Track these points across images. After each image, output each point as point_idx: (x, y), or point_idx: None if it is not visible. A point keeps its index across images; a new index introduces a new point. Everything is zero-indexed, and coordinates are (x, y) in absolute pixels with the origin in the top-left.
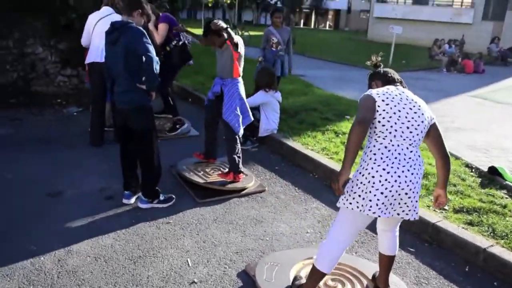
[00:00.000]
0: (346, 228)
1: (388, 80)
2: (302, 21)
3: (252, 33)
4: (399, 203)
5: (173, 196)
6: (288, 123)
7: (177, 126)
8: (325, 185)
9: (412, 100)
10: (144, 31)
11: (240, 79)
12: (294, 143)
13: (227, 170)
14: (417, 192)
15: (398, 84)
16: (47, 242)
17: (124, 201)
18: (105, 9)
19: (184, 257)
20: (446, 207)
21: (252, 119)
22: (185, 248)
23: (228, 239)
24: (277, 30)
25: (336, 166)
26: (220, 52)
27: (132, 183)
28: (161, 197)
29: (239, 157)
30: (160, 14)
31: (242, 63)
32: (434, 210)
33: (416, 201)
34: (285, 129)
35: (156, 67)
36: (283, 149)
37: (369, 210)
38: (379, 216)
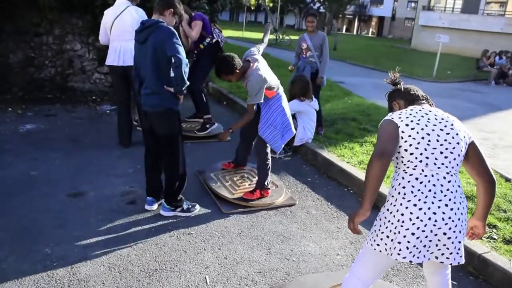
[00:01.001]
0: (369, 268)
1: (411, 98)
2: (344, 27)
3: (293, 37)
4: (437, 245)
5: (197, 206)
6: (324, 132)
7: (207, 126)
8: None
9: (443, 119)
10: (175, 31)
11: (279, 92)
12: (330, 155)
13: (253, 185)
14: (459, 231)
15: (423, 101)
16: (62, 246)
17: (146, 207)
18: (120, 2)
19: (202, 274)
20: (495, 236)
21: (295, 132)
22: (204, 263)
23: (251, 257)
24: (310, 36)
25: None
26: (244, 82)
27: (156, 189)
28: (185, 206)
29: (267, 174)
30: (193, 13)
31: (273, 80)
32: (481, 239)
33: (459, 242)
34: (320, 139)
35: (185, 69)
36: (318, 160)
37: (398, 254)
38: (410, 261)
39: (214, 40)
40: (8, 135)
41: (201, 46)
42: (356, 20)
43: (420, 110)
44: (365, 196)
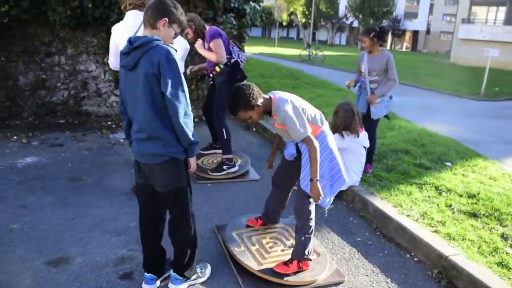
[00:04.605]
0: None
1: None
2: None
3: (326, 53)
4: None
5: (208, 267)
6: (373, 171)
7: (224, 167)
8: (429, 277)
9: None
10: (175, 52)
11: (324, 129)
12: (383, 203)
13: (288, 252)
14: None
15: None
16: None
17: (144, 286)
18: (133, 15)
19: None
20: None
21: (347, 180)
22: None
23: None
24: (370, 57)
25: (445, 247)
26: (274, 120)
27: (157, 263)
28: (198, 270)
29: (309, 239)
30: (207, 27)
31: (312, 111)
32: None
33: None
34: (369, 180)
35: (186, 119)
36: (369, 211)
37: None
38: None
39: (233, 60)
40: (2, 171)
41: (217, 68)
42: (390, 34)
43: None
44: None
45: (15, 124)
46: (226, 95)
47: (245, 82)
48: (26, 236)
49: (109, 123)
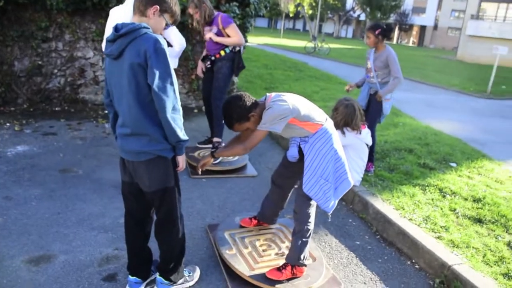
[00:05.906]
0: None
1: None
2: None
3: (332, 45)
4: None
5: (197, 269)
6: (375, 170)
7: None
8: (431, 287)
9: None
10: (165, 41)
11: (327, 126)
12: (384, 206)
13: (283, 255)
14: None
15: None
16: None
17: None
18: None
19: None
20: None
21: (352, 183)
22: None
23: None
24: (376, 54)
25: (448, 255)
26: None
27: (142, 265)
28: (186, 273)
29: (306, 243)
30: (216, 13)
31: (311, 109)
32: None
33: None
34: (371, 179)
35: (175, 115)
36: (369, 213)
37: None
38: None
39: (237, 49)
40: None
41: (222, 52)
42: (397, 28)
43: None
44: None
45: (9, 110)
46: (226, 78)
47: (236, 92)
48: (8, 231)
49: (106, 112)
